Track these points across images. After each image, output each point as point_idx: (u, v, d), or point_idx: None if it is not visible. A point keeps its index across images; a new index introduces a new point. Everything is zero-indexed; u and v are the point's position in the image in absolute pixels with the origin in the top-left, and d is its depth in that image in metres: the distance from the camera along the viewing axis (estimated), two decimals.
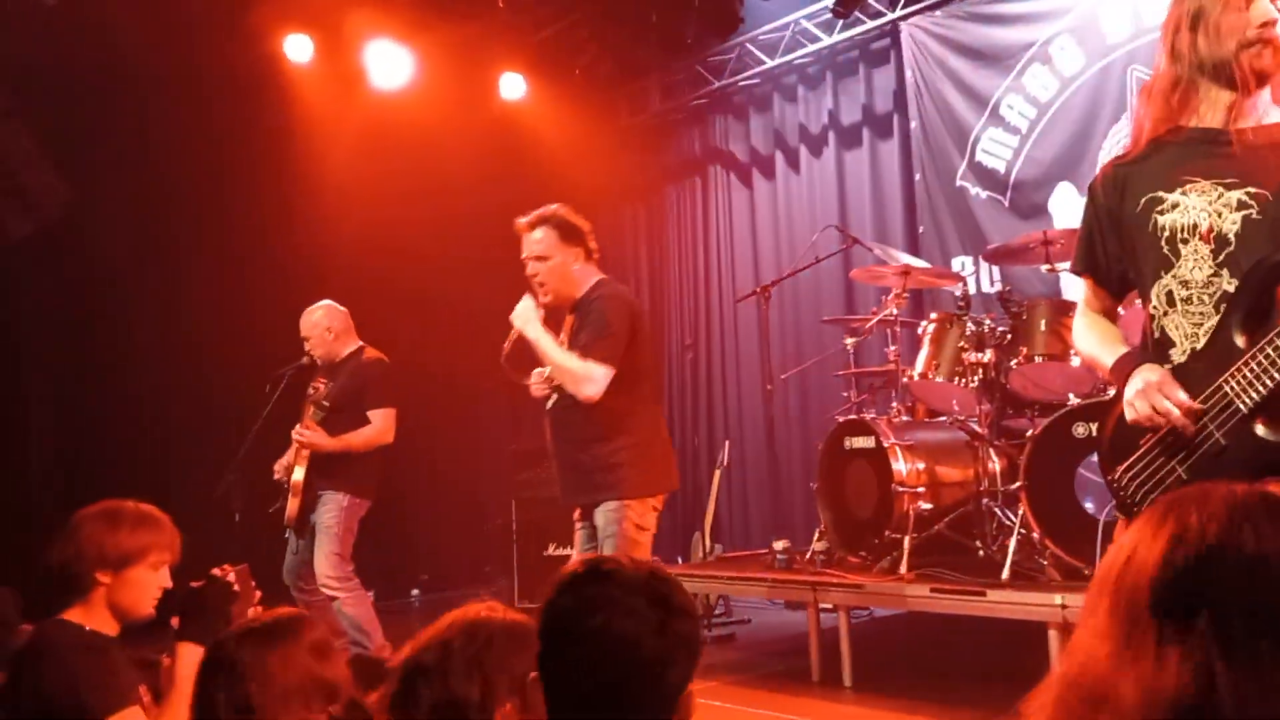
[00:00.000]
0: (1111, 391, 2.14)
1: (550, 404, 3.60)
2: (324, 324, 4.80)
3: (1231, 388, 1.86)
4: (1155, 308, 2.02)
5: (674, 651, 1.33)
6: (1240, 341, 1.88)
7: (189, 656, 2.16)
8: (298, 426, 4.61)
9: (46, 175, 5.94)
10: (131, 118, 6.54)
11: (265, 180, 6.99)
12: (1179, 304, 1.97)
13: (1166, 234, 1.98)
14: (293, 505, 4.57)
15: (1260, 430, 1.84)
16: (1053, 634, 3.68)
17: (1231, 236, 1.92)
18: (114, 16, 5.95)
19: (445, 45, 7.19)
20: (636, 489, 3.40)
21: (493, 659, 1.54)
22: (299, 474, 4.55)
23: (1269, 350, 1.82)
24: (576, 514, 3.64)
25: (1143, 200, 2.03)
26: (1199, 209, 1.95)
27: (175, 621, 2.37)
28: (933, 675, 4.49)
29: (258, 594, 2.51)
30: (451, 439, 8.11)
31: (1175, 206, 1.98)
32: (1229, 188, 1.93)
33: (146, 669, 2.46)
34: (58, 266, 6.37)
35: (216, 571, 2.44)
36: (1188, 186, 1.97)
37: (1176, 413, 1.89)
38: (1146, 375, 1.94)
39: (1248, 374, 1.84)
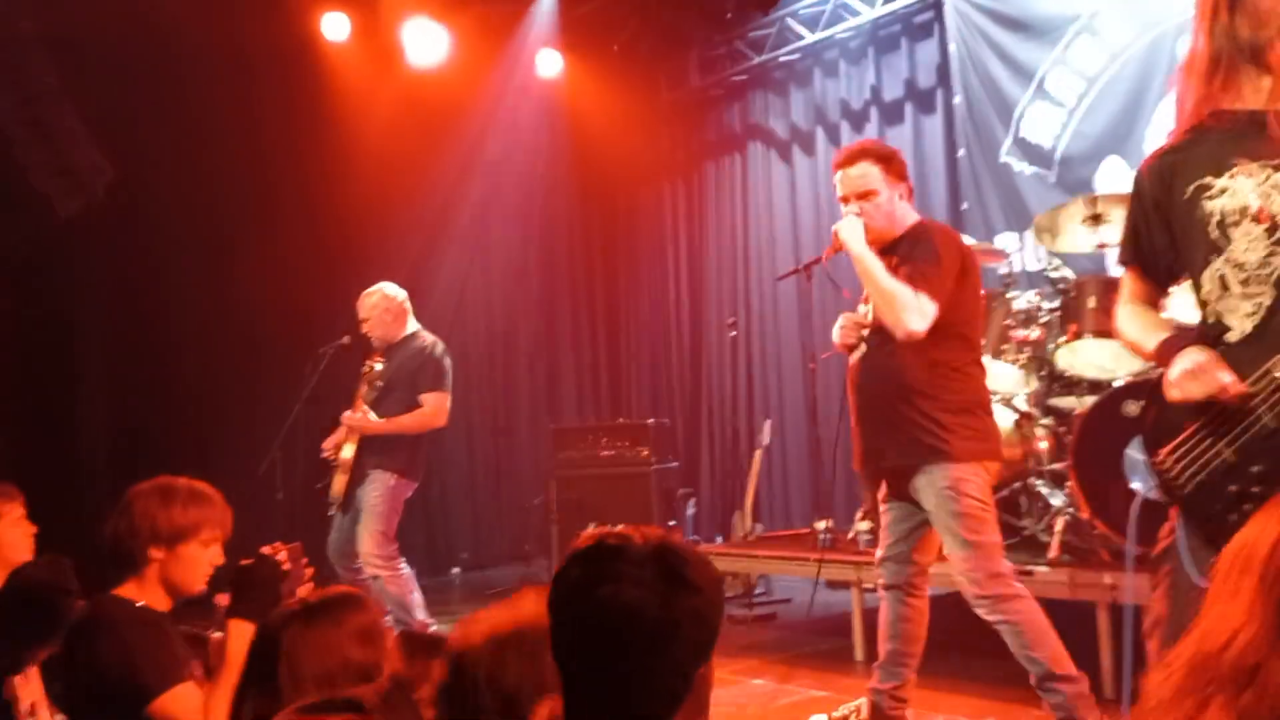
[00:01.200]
0: (1160, 371, 2.10)
1: (858, 354, 3.25)
2: (382, 306, 4.83)
3: None
4: (1209, 293, 1.99)
5: (680, 625, 1.31)
6: None
7: (239, 633, 2.18)
8: (349, 410, 4.65)
9: (93, 155, 6.01)
10: (175, 97, 6.59)
11: (307, 158, 7.03)
12: (1234, 286, 1.94)
13: (1216, 218, 1.96)
14: (340, 482, 4.61)
15: None
16: (1101, 613, 3.63)
17: None
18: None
19: (482, 21, 7.18)
20: (972, 452, 2.97)
21: (546, 660, 1.53)
22: (348, 451, 4.60)
23: None
24: (881, 493, 3.24)
25: (1191, 188, 2.00)
26: (1249, 191, 1.93)
27: (225, 598, 2.39)
28: (977, 654, 4.43)
29: (310, 571, 2.52)
30: (492, 417, 8.15)
31: (1224, 191, 1.95)
32: (1278, 169, 1.90)
33: (197, 644, 2.49)
34: (105, 245, 6.46)
35: (267, 550, 2.45)
36: (1235, 170, 1.94)
37: (1230, 383, 1.86)
38: (1194, 356, 1.92)
39: None
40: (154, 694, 2.14)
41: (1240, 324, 1.94)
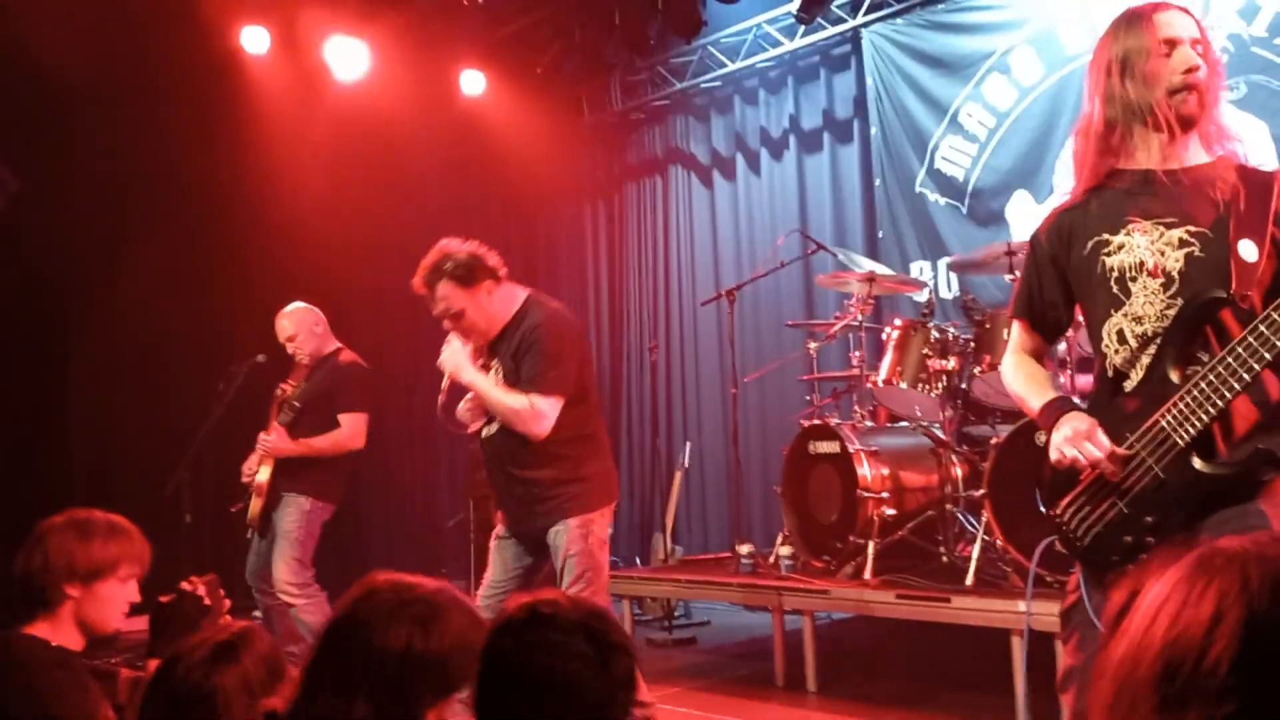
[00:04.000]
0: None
1: (486, 432, 3.41)
2: (309, 320, 4.70)
3: (1168, 422, 1.93)
4: (1107, 345, 2.07)
5: (616, 691, 1.35)
6: (1174, 376, 1.94)
7: None
8: (263, 431, 4.52)
9: None
10: (85, 110, 6.36)
11: (223, 171, 6.86)
12: (1131, 340, 2.02)
13: (1115, 274, 2.04)
14: (255, 506, 4.48)
15: (1197, 463, 1.91)
16: (1015, 640, 3.73)
17: (1176, 274, 1.98)
18: (67, 6, 5.80)
19: (404, 39, 7.10)
20: (588, 505, 3.27)
21: (438, 629, 1.53)
22: (264, 474, 4.47)
23: (1202, 385, 1.88)
24: (502, 529, 3.45)
25: (1090, 244, 2.09)
26: (1143, 248, 2.01)
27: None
28: (898, 679, 4.54)
29: (227, 603, 2.45)
30: (408, 437, 8.03)
31: (1121, 247, 2.04)
32: (1169, 227, 2.00)
33: (105, 680, 2.40)
34: (6, 258, 6.18)
35: (185, 585, 2.38)
36: (1131, 227, 2.03)
37: (1104, 460, 1.95)
38: (1074, 423, 2.00)
39: (1183, 409, 1.91)
40: None
41: (1135, 375, 2.03)
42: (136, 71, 6.29)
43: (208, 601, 2.39)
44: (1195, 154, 2.04)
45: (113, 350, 6.65)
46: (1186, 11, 2.09)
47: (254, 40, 6.73)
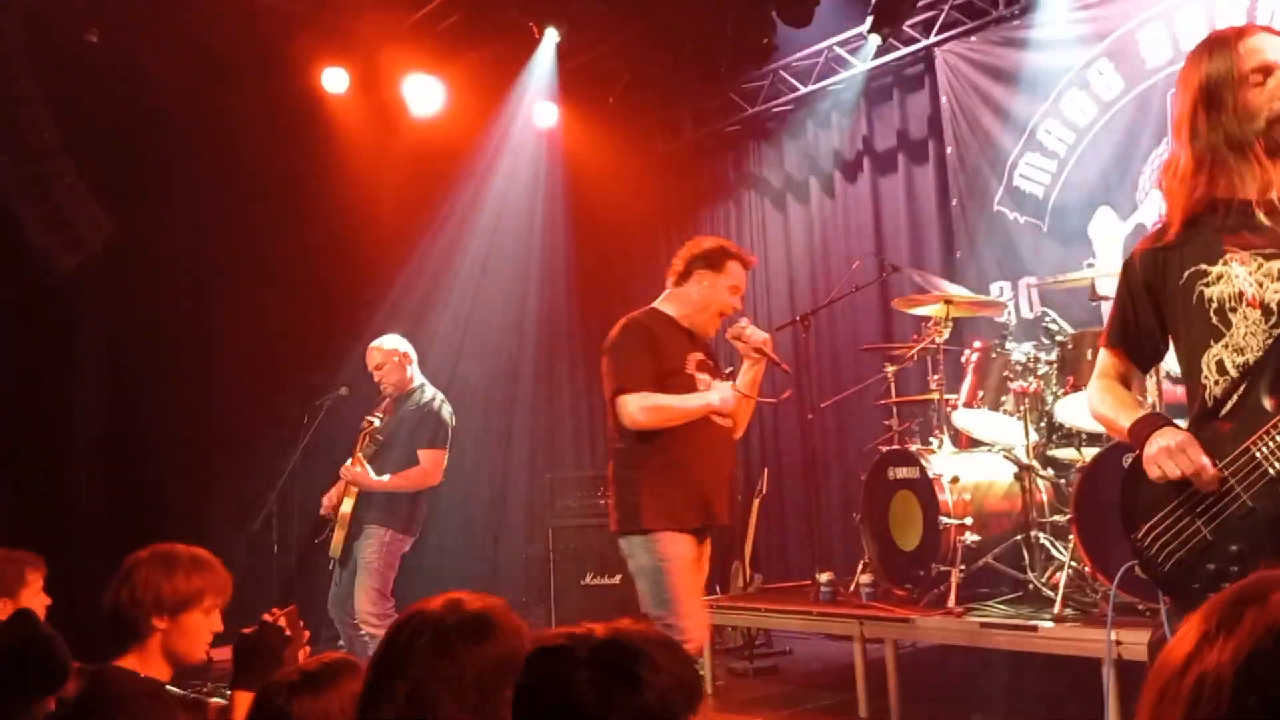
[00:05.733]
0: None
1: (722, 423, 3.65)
2: (396, 353, 4.83)
3: (1260, 451, 1.87)
4: (1206, 377, 2.01)
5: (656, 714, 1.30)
6: (1269, 404, 1.89)
7: (245, 705, 2.15)
8: (348, 461, 4.64)
9: (92, 210, 6.04)
10: (174, 151, 6.63)
11: (306, 208, 7.07)
12: (1231, 370, 1.96)
13: (1214, 305, 1.98)
14: (338, 537, 4.59)
15: None
16: (1106, 669, 3.60)
17: (1275, 305, 1.92)
18: (154, 50, 6.08)
19: (478, 74, 7.26)
20: None
21: (457, 657, 1.52)
22: (347, 506, 4.58)
23: None
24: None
25: (1186, 274, 2.03)
26: (1242, 278, 1.95)
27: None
28: (983, 710, 4.41)
29: (306, 634, 2.51)
30: (489, 467, 8.12)
31: (1220, 278, 1.98)
32: (1268, 258, 1.94)
33: (194, 709, 2.47)
34: (102, 300, 6.46)
35: (267, 616, 2.44)
36: (1229, 257, 1.97)
37: (1203, 470, 1.89)
38: (1170, 435, 1.94)
39: (1277, 437, 1.85)
40: None
41: (1232, 405, 1.96)
42: (223, 114, 6.55)
43: (289, 632, 2.45)
44: None
45: (204, 385, 6.88)
46: (1273, 30, 1.99)
47: (334, 81, 6.96)
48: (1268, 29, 2.00)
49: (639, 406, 3.42)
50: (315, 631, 4.96)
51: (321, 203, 7.09)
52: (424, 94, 7.18)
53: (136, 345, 6.63)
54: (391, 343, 4.86)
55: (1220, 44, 1.98)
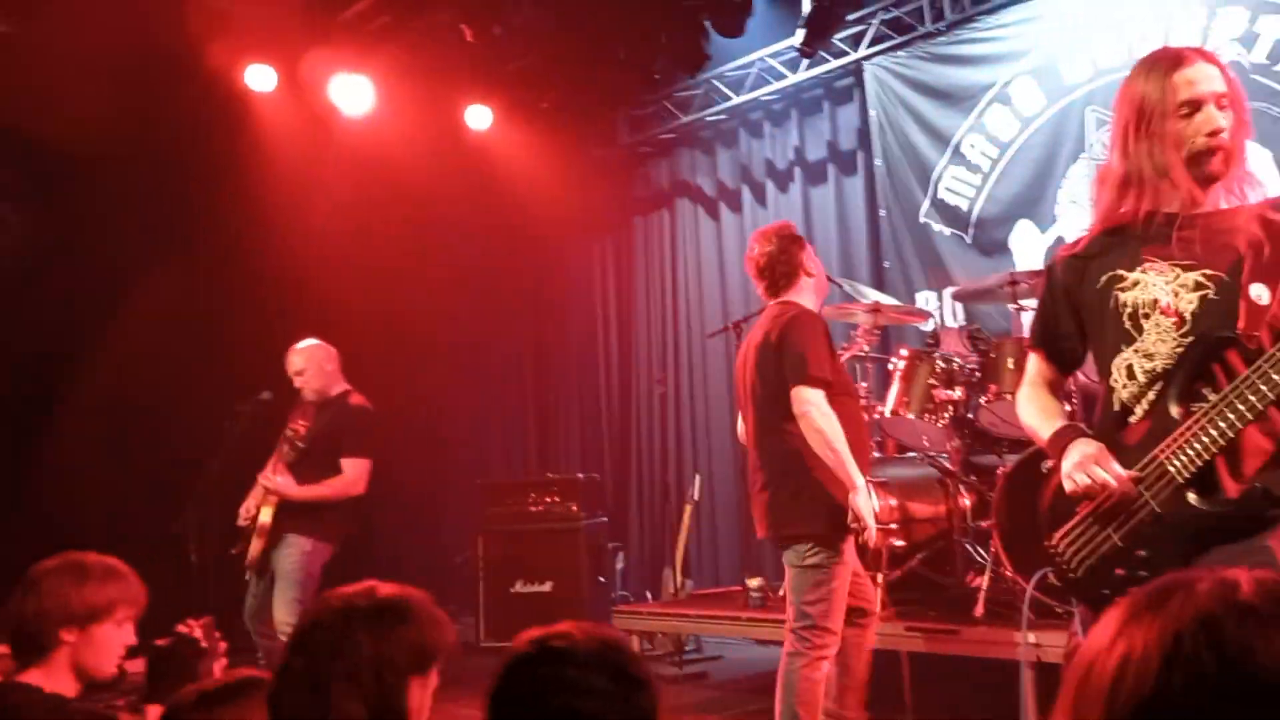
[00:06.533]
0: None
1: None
2: (319, 356, 4.72)
3: (1166, 458, 1.93)
4: (1115, 380, 2.06)
5: None
6: (1175, 413, 1.94)
7: None
8: (267, 469, 4.52)
9: None
10: (93, 146, 6.42)
11: (232, 209, 6.91)
12: (1139, 375, 2.02)
13: (1128, 310, 2.03)
14: (255, 547, 4.47)
15: (1193, 499, 1.91)
16: (1025, 672, 3.68)
17: (1189, 315, 1.97)
18: (71, 43, 5.88)
19: (409, 75, 7.18)
20: None
21: (395, 637, 1.51)
22: (266, 515, 4.46)
23: (1204, 422, 1.88)
24: None
25: (1104, 278, 2.08)
26: (1158, 286, 2.01)
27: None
28: (907, 712, 4.47)
29: (222, 646, 2.44)
30: (418, 474, 8.01)
31: (1136, 284, 2.03)
32: (1186, 269, 1.99)
33: None
34: (16, 298, 6.23)
35: (182, 628, 2.37)
36: (1147, 265, 2.03)
37: (1114, 483, 1.94)
38: (1083, 449, 2.00)
39: (1182, 445, 1.91)
40: None
41: (1140, 410, 2.02)
42: (144, 109, 6.36)
43: (204, 644, 2.38)
44: (1218, 200, 2.03)
45: (120, 389, 6.67)
46: (1210, 59, 2.03)
47: (260, 78, 6.82)
48: (1205, 56, 2.03)
49: (823, 414, 3.29)
50: (234, 643, 4.85)
51: (246, 202, 6.93)
52: (353, 94, 7.06)
53: (52, 345, 6.41)
54: (313, 346, 4.76)
55: (1157, 69, 2.02)
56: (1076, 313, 2.16)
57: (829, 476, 3.30)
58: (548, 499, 6.93)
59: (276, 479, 4.46)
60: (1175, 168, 1.99)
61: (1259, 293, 1.92)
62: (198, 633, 2.36)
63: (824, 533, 3.32)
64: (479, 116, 7.58)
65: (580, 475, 7.08)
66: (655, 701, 1.32)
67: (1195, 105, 1.98)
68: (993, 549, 4.14)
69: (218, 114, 6.72)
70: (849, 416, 3.41)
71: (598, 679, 1.27)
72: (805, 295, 3.62)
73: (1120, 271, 2.06)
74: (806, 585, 3.33)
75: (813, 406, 3.27)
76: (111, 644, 2.26)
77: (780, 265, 3.56)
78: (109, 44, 5.97)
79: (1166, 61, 2.03)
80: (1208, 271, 1.97)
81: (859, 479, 3.27)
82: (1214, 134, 1.97)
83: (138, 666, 2.40)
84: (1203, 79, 1.99)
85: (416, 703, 1.49)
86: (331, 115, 7.11)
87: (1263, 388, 1.83)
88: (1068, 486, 2.00)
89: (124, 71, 6.12)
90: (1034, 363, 2.29)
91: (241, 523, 4.61)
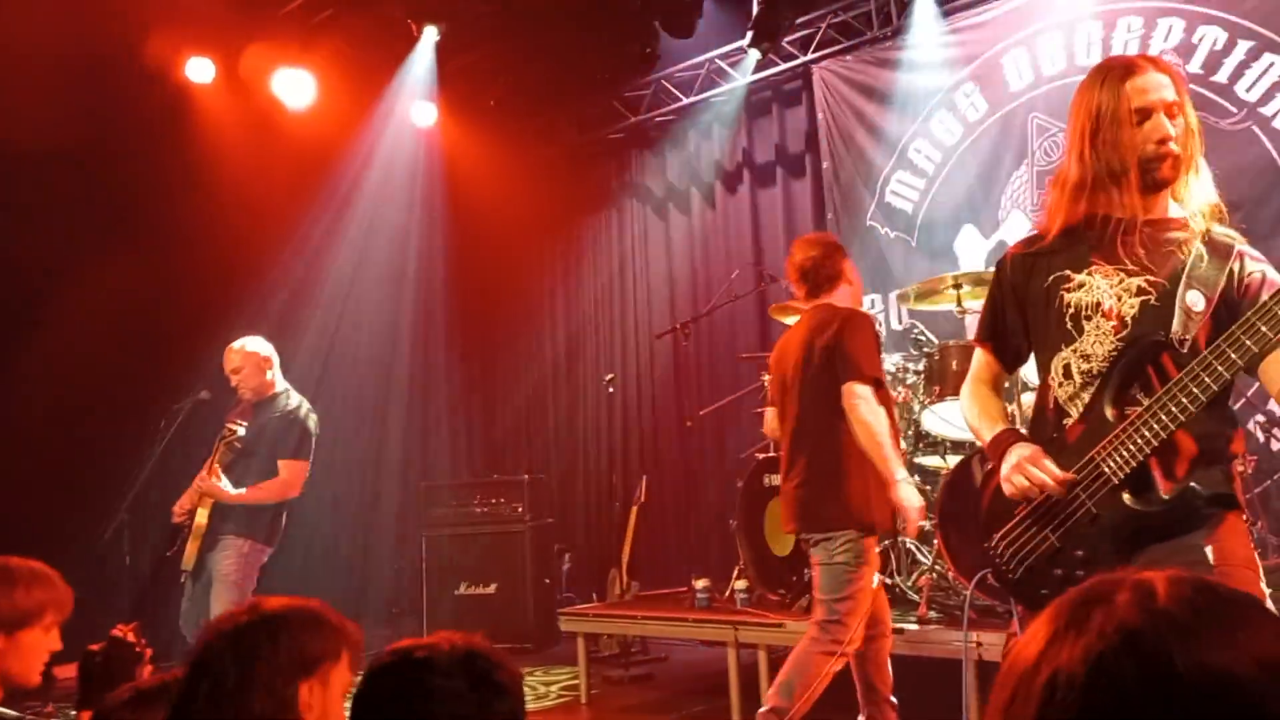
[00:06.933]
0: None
1: None
2: (256, 356, 4.59)
3: (1102, 459, 1.95)
4: (1052, 378, 2.10)
5: None
6: (1110, 415, 1.97)
7: None
8: (204, 470, 4.40)
9: None
10: (25, 141, 6.23)
11: (166, 203, 6.75)
12: (1076, 376, 2.05)
13: (1071, 310, 2.07)
14: (191, 549, 4.34)
15: (1128, 499, 1.94)
16: (968, 671, 3.72)
17: (1129, 319, 2.01)
18: (5, 36, 5.70)
19: (352, 70, 7.07)
20: None
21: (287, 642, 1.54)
22: (202, 516, 4.34)
23: (1138, 424, 1.91)
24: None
25: (1051, 278, 2.11)
26: (1103, 289, 2.04)
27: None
28: (851, 711, 4.49)
29: (148, 651, 2.38)
30: (360, 475, 7.90)
31: (1082, 285, 2.06)
32: (1129, 274, 2.03)
33: None
34: None
35: (116, 632, 2.29)
36: (1093, 269, 2.06)
37: (1051, 483, 1.97)
38: (1020, 451, 2.03)
39: (1116, 446, 1.94)
40: None
41: (1075, 410, 2.05)
42: (81, 102, 6.19)
43: (137, 649, 2.31)
44: (1167, 208, 2.07)
45: (54, 386, 6.48)
46: (1163, 68, 2.06)
47: (199, 71, 6.68)
48: (1158, 65, 2.06)
49: (871, 409, 3.38)
50: (169, 646, 4.73)
51: (184, 196, 6.78)
52: (295, 88, 6.94)
53: None
54: (252, 345, 4.63)
55: (1111, 76, 2.05)
56: (1023, 310, 2.19)
57: (865, 476, 3.41)
58: (493, 500, 6.87)
59: (211, 481, 4.34)
60: (1126, 174, 2.02)
61: (1194, 299, 1.97)
62: (131, 637, 2.29)
63: (856, 528, 3.43)
64: (424, 113, 7.50)
65: (526, 476, 7.03)
66: (518, 707, 1.34)
67: (1145, 113, 2.01)
68: (935, 549, 4.18)
69: (157, 108, 6.57)
70: (887, 417, 3.52)
71: (458, 685, 1.28)
72: (842, 302, 3.72)
73: (1068, 272, 2.09)
74: (834, 583, 3.42)
75: (863, 401, 3.38)
76: (38, 650, 2.18)
77: (824, 270, 3.67)
78: (46, 37, 5.80)
79: (1120, 69, 2.06)
80: (1150, 278, 2.01)
81: (901, 471, 3.41)
82: (1162, 141, 2.00)
83: (68, 672, 2.32)
84: (1153, 87, 2.02)
85: (307, 701, 1.52)
86: (273, 109, 6.99)
87: (1195, 390, 1.86)
88: (1006, 489, 2.03)
89: (62, 64, 5.95)
90: (979, 358, 2.32)
91: (176, 519, 4.48)
